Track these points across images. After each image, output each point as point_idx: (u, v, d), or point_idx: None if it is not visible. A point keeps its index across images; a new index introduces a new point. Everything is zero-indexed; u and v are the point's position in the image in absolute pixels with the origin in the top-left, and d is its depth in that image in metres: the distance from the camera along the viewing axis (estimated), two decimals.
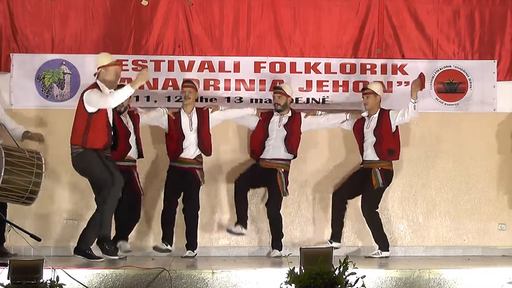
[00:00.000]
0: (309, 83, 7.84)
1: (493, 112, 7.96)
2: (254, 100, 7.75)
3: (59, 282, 4.82)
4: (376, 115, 7.42)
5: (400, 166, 7.84)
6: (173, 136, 7.25)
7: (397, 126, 7.42)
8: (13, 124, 7.04)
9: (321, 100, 7.80)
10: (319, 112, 7.63)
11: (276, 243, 7.39)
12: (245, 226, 7.35)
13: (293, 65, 7.83)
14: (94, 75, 6.58)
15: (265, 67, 7.82)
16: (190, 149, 7.24)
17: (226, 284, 5.33)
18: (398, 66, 7.89)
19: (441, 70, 7.95)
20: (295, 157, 7.47)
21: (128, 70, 7.54)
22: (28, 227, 6.92)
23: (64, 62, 7.62)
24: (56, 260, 5.88)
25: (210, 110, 7.38)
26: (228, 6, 7.79)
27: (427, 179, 7.89)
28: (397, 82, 7.78)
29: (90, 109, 6.34)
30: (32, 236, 5.83)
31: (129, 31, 7.67)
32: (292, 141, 7.42)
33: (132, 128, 7.10)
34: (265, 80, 7.80)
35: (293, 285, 4.76)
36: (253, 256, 7.38)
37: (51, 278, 4.83)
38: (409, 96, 7.26)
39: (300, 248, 4.94)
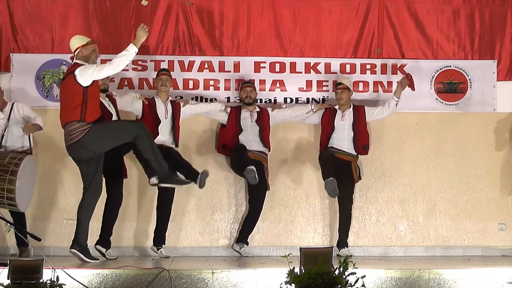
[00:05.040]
0: (309, 83, 7.83)
1: (493, 112, 7.96)
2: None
3: (59, 282, 4.81)
4: (351, 109, 7.51)
5: (400, 166, 7.85)
6: (148, 121, 7.03)
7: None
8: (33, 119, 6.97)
9: (321, 100, 7.80)
10: (284, 105, 7.69)
11: (244, 237, 7.40)
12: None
13: (293, 65, 7.83)
14: (71, 58, 6.32)
15: (265, 67, 7.82)
16: (165, 135, 7.11)
17: (226, 284, 5.32)
18: (398, 66, 7.89)
19: (441, 70, 7.94)
20: (269, 150, 7.51)
21: (128, 70, 7.54)
22: (28, 227, 6.96)
23: (64, 62, 7.61)
24: (56, 260, 5.86)
25: (181, 104, 7.35)
26: (228, 6, 7.79)
27: (427, 179, 7.89)
28: (397, 82, 7.75)
29: (86, 82, 6.06)
30: (32, 236, 5.83)
31: (129, 31, 7.65)
32: (265, 136, 7.47)
33: (114, 110, 6.90)
34: (265, 80, 7.79)
35: (293, 285, 4.76)
36: (253, 256, 7.36)
37: (51, 278, 4.82)
38: (393, 94, 7.50)
39: (300, 248, 4.93)
